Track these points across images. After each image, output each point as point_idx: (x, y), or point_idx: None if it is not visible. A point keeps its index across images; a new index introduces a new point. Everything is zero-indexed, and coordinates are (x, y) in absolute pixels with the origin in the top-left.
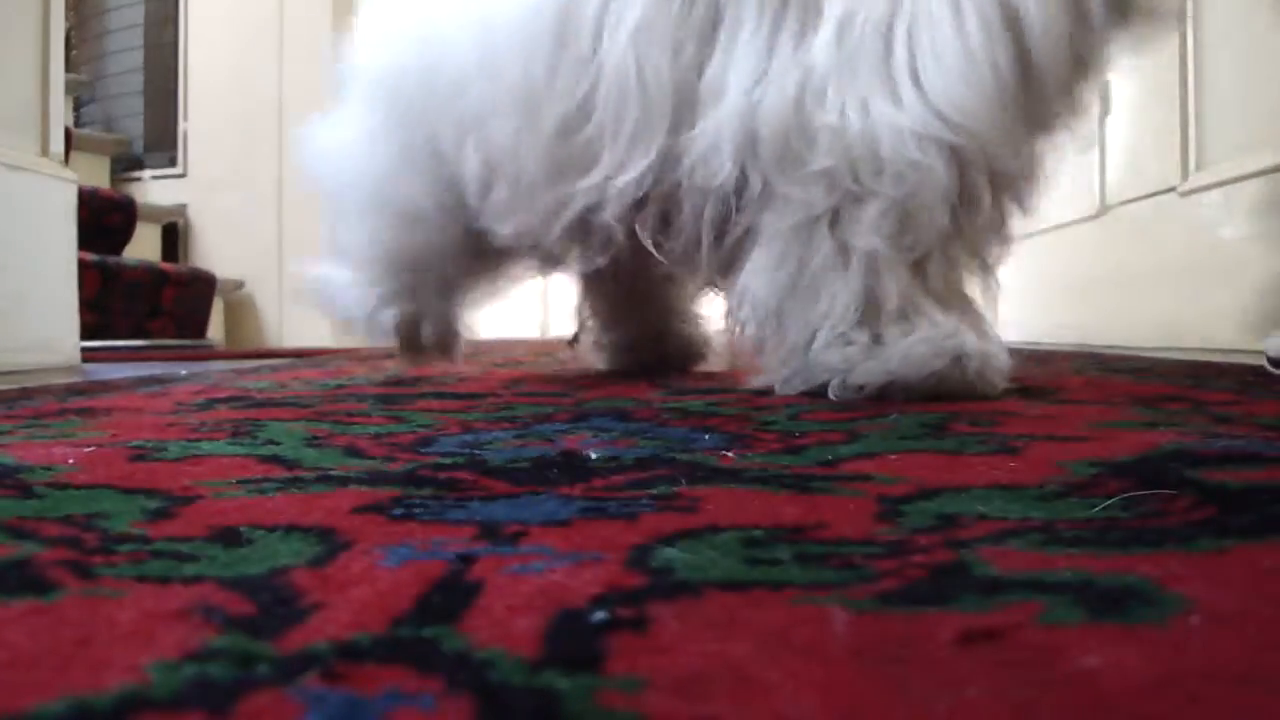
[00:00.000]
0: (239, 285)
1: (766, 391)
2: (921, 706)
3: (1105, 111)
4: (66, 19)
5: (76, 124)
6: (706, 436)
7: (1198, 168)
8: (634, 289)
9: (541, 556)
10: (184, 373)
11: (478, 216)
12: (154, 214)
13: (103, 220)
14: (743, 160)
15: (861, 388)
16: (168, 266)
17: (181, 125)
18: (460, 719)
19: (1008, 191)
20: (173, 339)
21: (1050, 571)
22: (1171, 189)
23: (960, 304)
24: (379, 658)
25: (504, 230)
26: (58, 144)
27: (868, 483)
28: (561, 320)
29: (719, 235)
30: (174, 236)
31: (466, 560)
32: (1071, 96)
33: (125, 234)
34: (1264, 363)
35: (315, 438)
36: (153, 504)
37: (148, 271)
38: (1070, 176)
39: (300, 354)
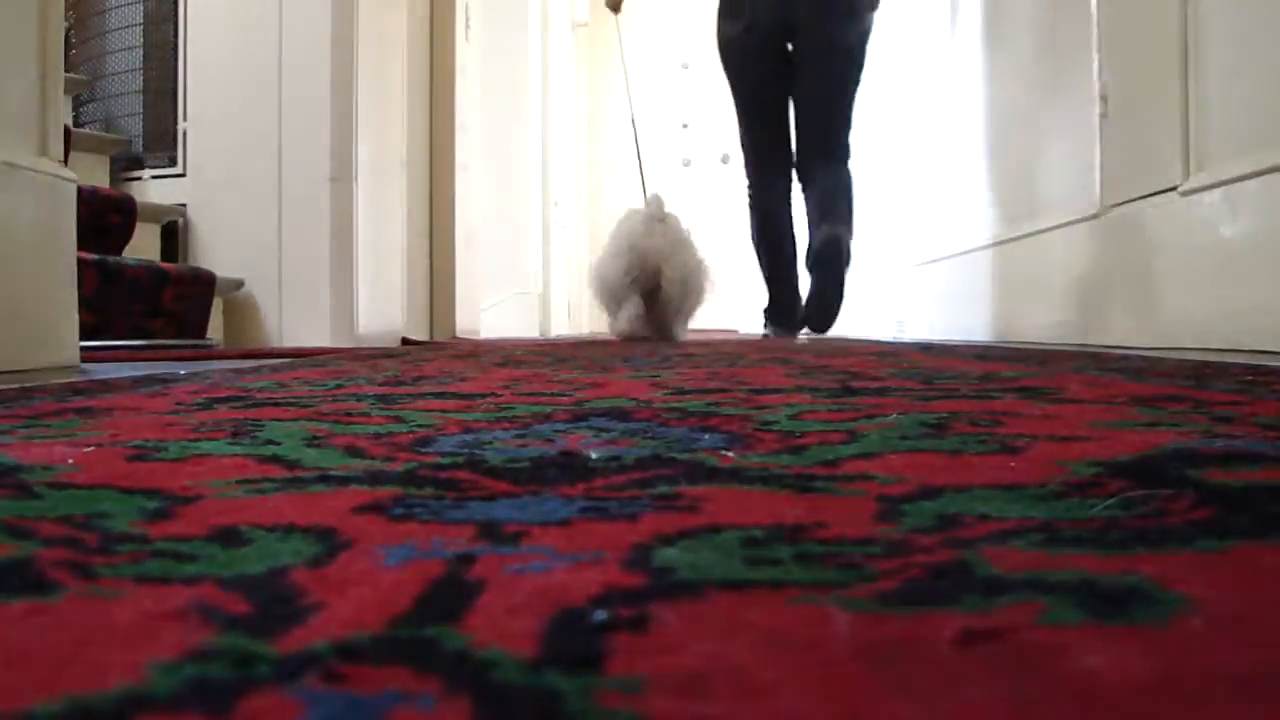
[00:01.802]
0: (239, 285)
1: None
2: (921, 706)
3: (1105, 112)
4: (65, 18)
5: (76, 123)
6: (706, 436)
7: (1198, 168)
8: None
9: (541, 556)
10: (183, 372)
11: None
12: (153, 213)
13: (102, 220)
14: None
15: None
16: (167, 266)
17: (181, 124)
18: (460, 719)
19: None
20: (172, 339)
21: (1051, 571)
22: (1172, 189)
23: None
24: (379, 658)
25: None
26: (57, 143)
27: (868, 483)
28: (559, 321)
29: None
30: (173, 236)
31: (466, 560)
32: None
33: (125, 233)
34: None
35: (315, 437)
36: (152, 504)
37: (147, 271)
38: (1070, 176)
39: (300, 354)
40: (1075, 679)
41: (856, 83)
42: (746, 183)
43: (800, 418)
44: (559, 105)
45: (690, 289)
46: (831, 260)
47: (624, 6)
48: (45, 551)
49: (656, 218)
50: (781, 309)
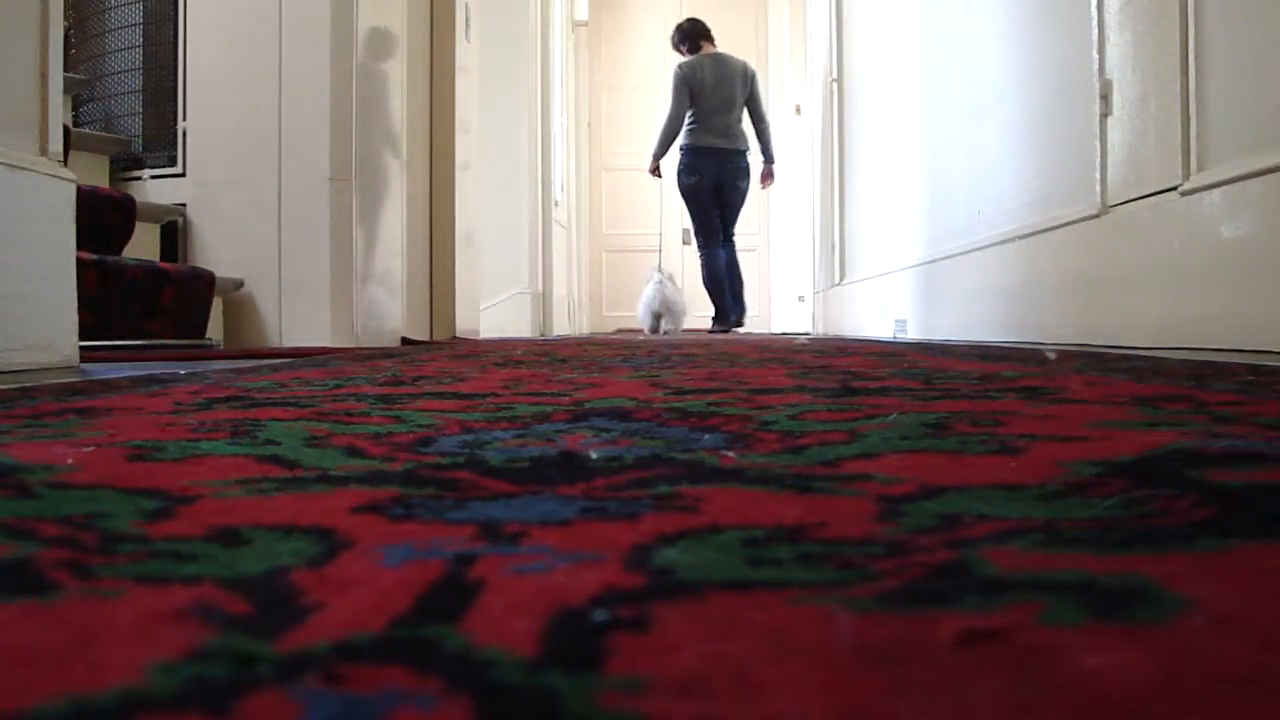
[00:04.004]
0: (238, 284)
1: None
2: (922, 706)
3: (1106, 111)
4: (65, 18)
5: (75, 123)
6: (706, 436)
7: (1199, 168)
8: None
9: (541, 556)
10: (183, 372)
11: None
12: (153, 213)
13: (102, 219)
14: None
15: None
16: (167, 266)
17: (180, 124)
18: (460, 719)
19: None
20: (172, 338)
21: (1052, 571)
22: (1172, 189)
23: None
24: (379, 658)
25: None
26: (56, 143)
27: (868, 483)
28: (559, 322)
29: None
30: (173, 236)
31: (466, 560)
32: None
33: (124, 233)
34: None
35: (315, 437)
36: (152, 504)
37: (147, 271)
38: (1070, 176)
39: (300, 354)
40: (1075, 679)
41: (745, 200)
42: (699, 248)
43: (800, 418)
44: (558, 105)
45: (676, 315)
46: (735, 295)
47: (628, 8)
48: (45, 551)
49: (659, 282)
50: (719, 312)
